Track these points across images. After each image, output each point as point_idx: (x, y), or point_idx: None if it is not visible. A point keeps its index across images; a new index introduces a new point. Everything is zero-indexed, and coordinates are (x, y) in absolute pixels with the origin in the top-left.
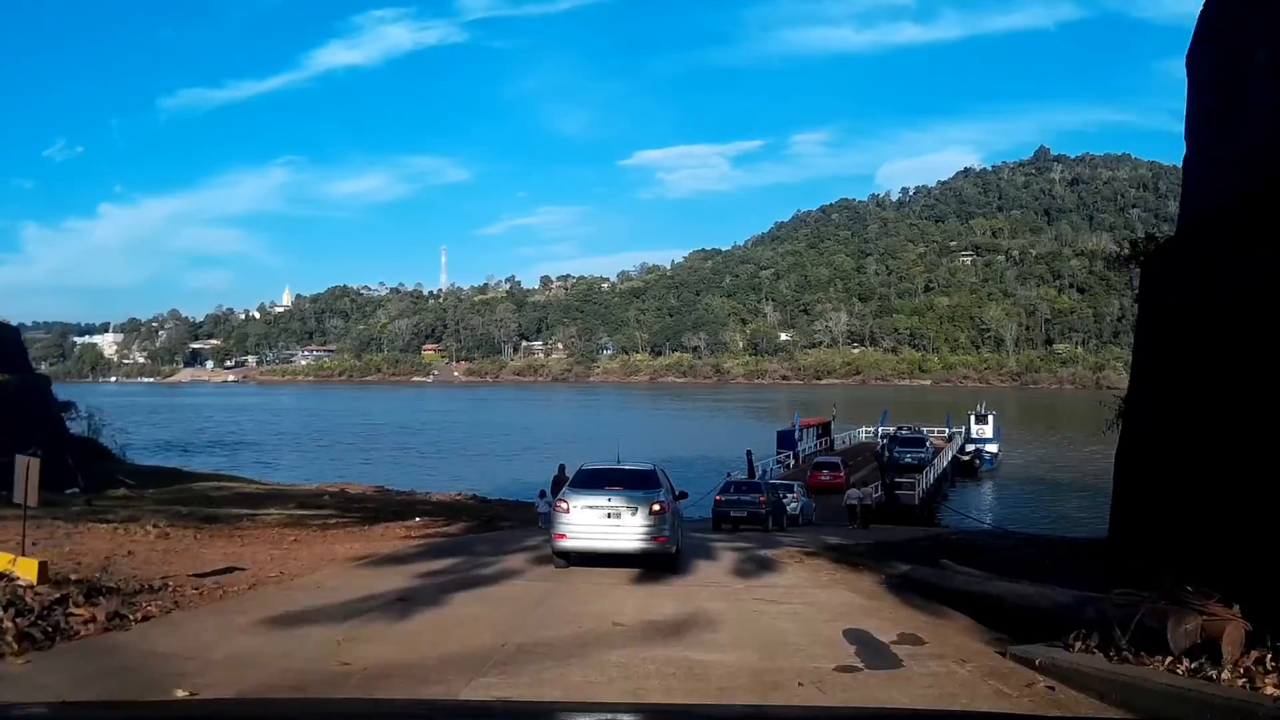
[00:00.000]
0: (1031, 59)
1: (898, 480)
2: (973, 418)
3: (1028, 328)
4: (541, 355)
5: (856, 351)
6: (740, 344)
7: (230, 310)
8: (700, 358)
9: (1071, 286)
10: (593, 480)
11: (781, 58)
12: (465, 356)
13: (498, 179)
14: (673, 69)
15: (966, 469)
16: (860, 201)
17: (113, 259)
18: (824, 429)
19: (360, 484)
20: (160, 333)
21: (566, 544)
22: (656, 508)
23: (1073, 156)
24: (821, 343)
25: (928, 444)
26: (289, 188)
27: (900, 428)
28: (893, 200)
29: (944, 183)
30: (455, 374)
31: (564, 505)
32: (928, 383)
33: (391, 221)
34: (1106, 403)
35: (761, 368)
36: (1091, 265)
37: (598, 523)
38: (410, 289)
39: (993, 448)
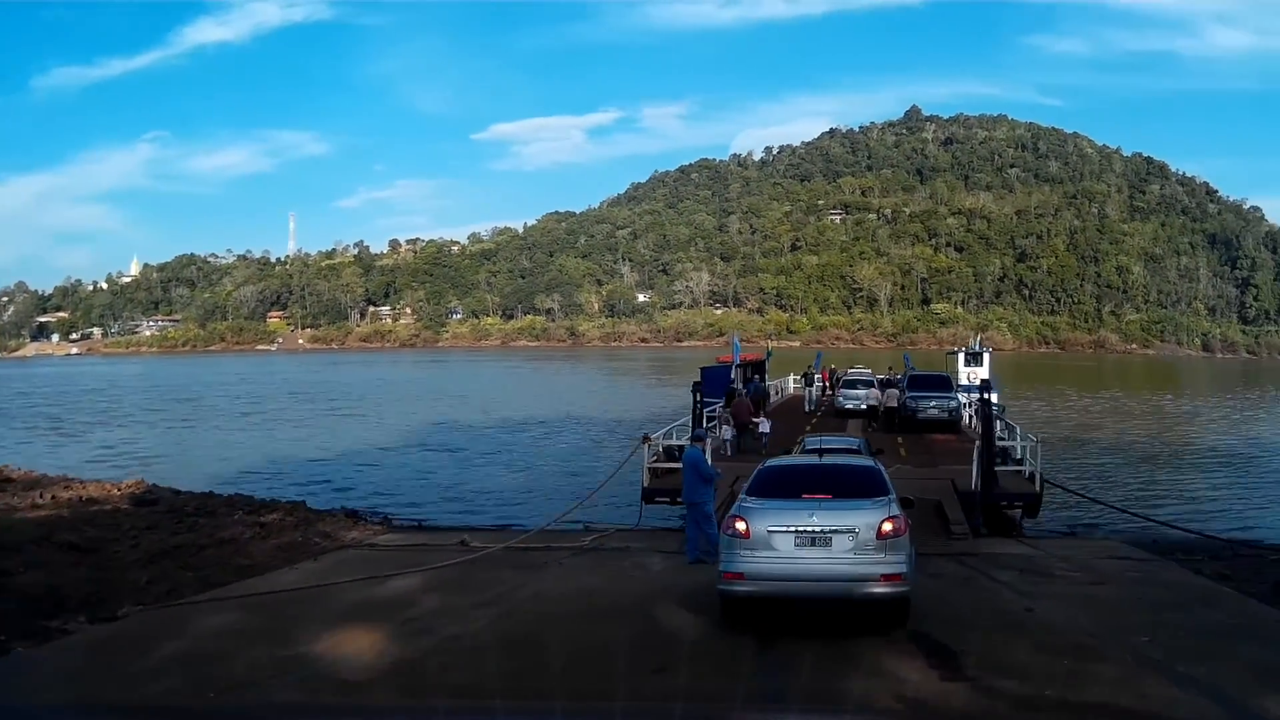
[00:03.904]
0: (898, 33)
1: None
2: (962, 358)
3: (903, 287)
4: (389, 321)
5: (719, 312)
6: (596, 306)
7: (79, 282)
8: (554, 320)
9: (949, 245)
10: (782, 484)
11: (644, 32)
12: (311, 324)
13: (356, 153)
14: (533, 44)
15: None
16: (721, 161)
17: None
18: (758, 368)
19: None
20: (9, 306)
21: (744, 588)
22: (888, 526)
23: (945, 117)
24: (682, 304)
25: (953, 386)
26: (155, 164)
27: (902, 369)
28: (755, 160)
29: (809, 143)
30: (300, 341)
31: (741, 525)
32: (796, 344)
33: (252, 195)
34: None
35: (619, 330)
36: (970, 224)
37: (792, 554)
38: (258, 256)
39: (993, 398)
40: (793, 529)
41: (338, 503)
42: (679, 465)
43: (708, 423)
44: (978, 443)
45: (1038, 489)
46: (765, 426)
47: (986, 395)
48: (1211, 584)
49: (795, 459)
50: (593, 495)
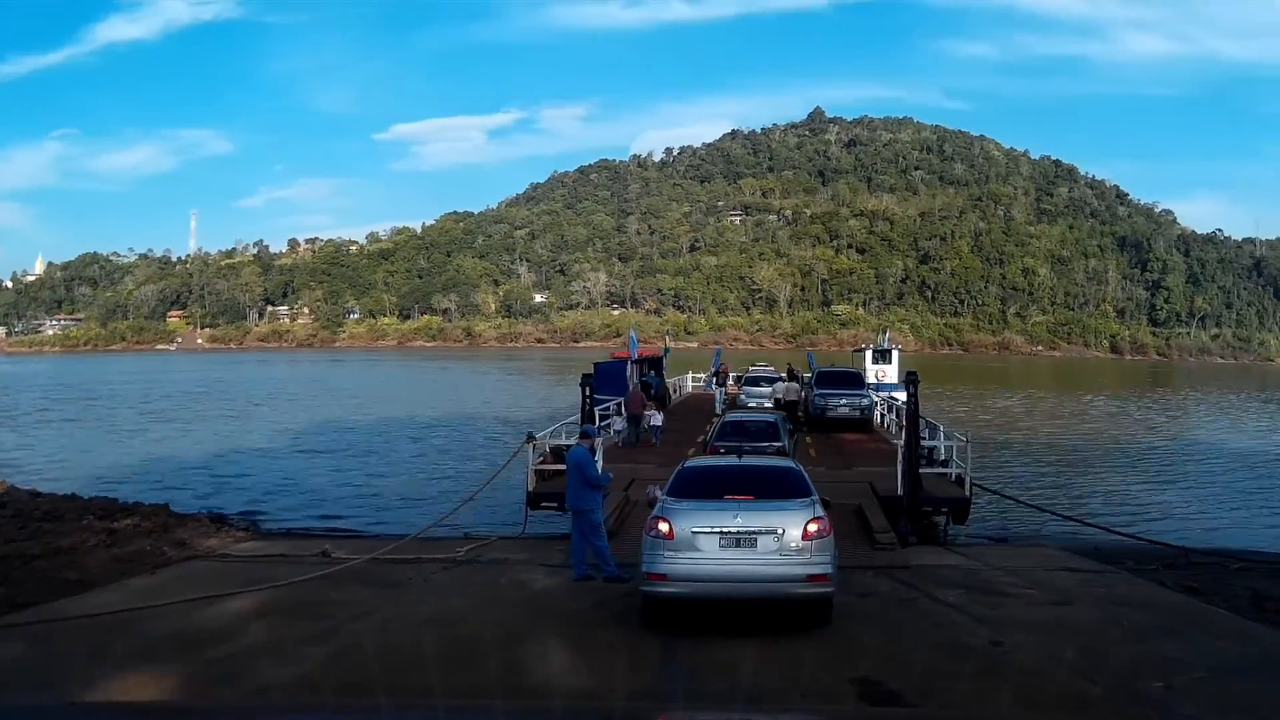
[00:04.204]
0: (803, 37)
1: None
2: (869, 355)
3: (803, 288)
4: (287, 321)
5: (616, 313)
6: (493, 306)
7: None
8: (451, 321)
9: (850, 247)
10: (703, 484)
11: (547, 33)
12: (210, 323)
13: (259, 152)
14: (436, 44)
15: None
16: (621, 162)
17: None
18: (655, 365)
19: None
20: None
21: (669, 589)
22: (813, 527)
23: (849, 119)
24: (579, 304)
25: (865, 383)
26: (63, 161)
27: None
28: (655, 161)
29: (710, 144)
30: (199, 341)
31: (664, 526)
32: (694, 345)
33: (157, 194)
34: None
35: (515, 330)
36: (873, 225)
37: (716, 555)
38: (159, 255)
39: (901, 396)
40: (717, 530)
41: (213, 506)
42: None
43: (601, 421)
44: (900, 442)
45: (967, 493)
46: (657, 419)
47: (912, 389)
48: (1189, 600)
49: (715, 460)
50: (468, 501)
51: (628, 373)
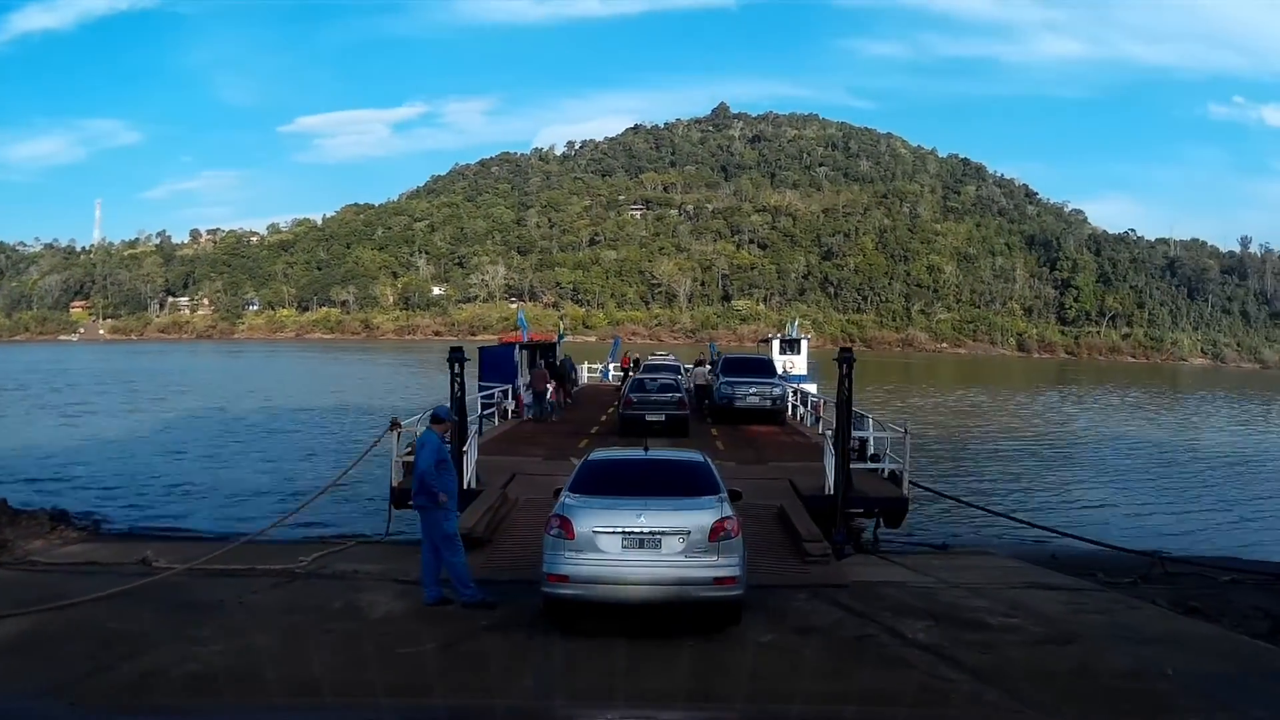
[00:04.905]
0: (710, 35)
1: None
2: (776, 345)
3: (703, 283)
4: (187, 312)
5: (514, 306)
6: (391, 298)
7: None
8: (349, 313)
9: (752, 242)
10: (607, 480)
11: (453, 27)
12: (112, 314)
13: (165, 143)
14: (342, 37)
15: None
16: (522, 155)
17: None
18: (548, 350)
19: None
20: None
21: (569, 590)
22: (721, 528)
23: (754, 115)
24: (477, 297)
25: (776, 371)
26: None
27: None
28: (557, 154)
29: (613, 138)
30: (101, 332)
31: (564, 526)
32: (592, 339)
33: (66, 183)
34: None
35: (413, 323)
36: (775, 221)
37: (619, 556)
38: (65, 245)
39: (811, 388)
40: (620, 530)
41: (61, 502)
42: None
43: (484, 410)
44: (829, 434)
45: (905, 492)
46: (555, 397)
47: (845, 369)
48: (1224, 633)
49: (621, 452)
50: (309, 503)
51: (516, 357)
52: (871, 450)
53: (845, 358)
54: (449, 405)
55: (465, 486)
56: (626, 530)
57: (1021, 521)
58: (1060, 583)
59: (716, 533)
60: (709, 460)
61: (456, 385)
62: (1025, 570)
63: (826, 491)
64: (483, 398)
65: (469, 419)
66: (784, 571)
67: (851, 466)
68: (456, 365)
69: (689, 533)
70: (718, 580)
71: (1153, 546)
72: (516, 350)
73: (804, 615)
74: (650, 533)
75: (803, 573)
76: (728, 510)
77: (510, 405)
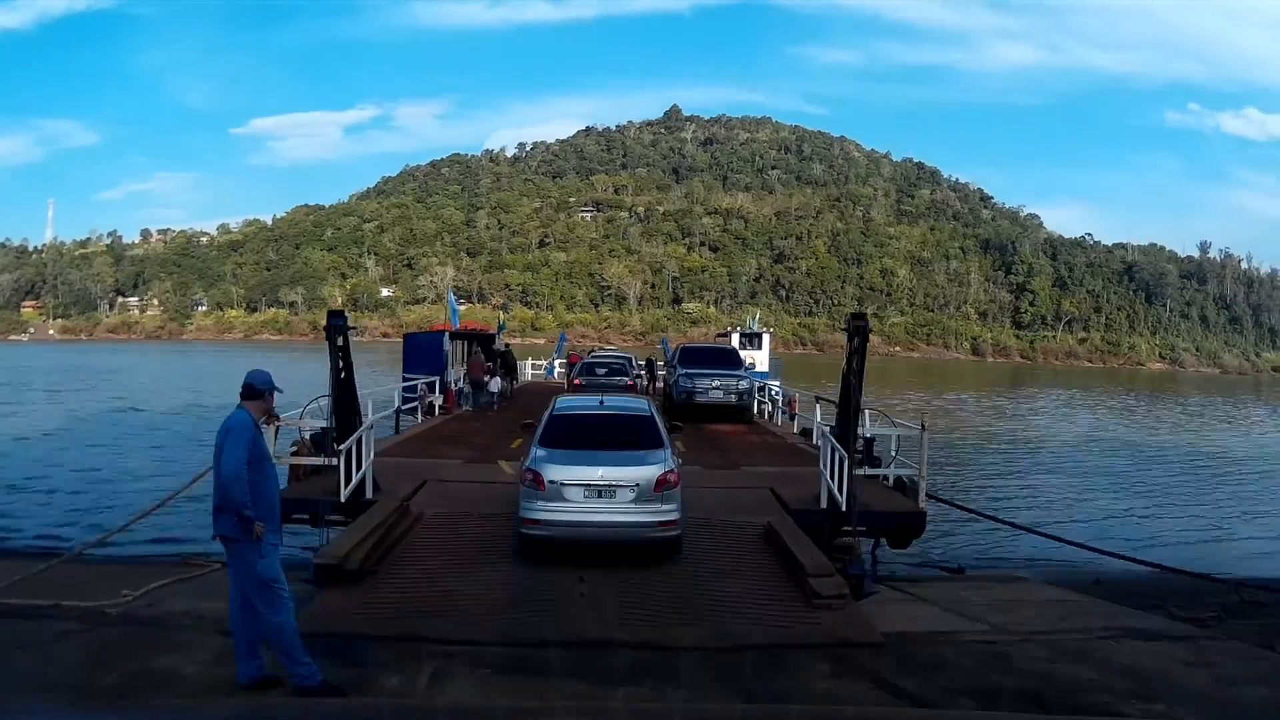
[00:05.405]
0: (663, 40)
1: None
2: (736, 339)
3: (654, 286)
4: (137, 312)
5: (463, 308)
6: (340, 300)
7: None
8: (298, 314)
9: (703, 245)
10: (570, 433)
11: (406, 30)
12: (63, 313)
13: (120, 144)
14: (295, 39)
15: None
16: (473, 156)
17: None
18: (486, 341)
19: None
20: None
21: (541, 532)
22: (664, 480)
23: (707, 118)
24: (426, 299)
25: (742, 362)
26: None
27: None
28: (508, 156)
29: (564, 140)
30: (51, 332)
31: (537, 478)
32: (541, 341)
33: (21, 183)
34: None
35: (361, 324)
36: (727, 224)
37: (581, 504)
38: (16, 245)
39: (776, 385)
40: (582, 483)
41: None
42: (327, 461)
43: (404, 404)
44: (828, 429)
45: (920, 505)
46: (495, 386)
47: (858, 342)
48: None
49: (581, 403)
50: (146, 514)
51: (445, 346)
52: (876, 450)
53: (859, 326)
54: (333, 391)
55: (364, 496)
56: (589, 484)
57: (1052, 537)
58: (1156, 627)
59: (661, 484)
60: (655, 411)
61: (341, 362)
62: (1090, 606)
63: (822, 504)
64: (405, 390)
65: (358, 406)
66: (787, 621)
67: (854, 472)
68: (340, 338)
69: (639, 485)
70: (661, 524)
71: (1169, 560)
72: (446, 339)
73: (834, 712)
74: (608, 485)
75: (813, 623)
76: (671, 465)
77: (438, 400)
